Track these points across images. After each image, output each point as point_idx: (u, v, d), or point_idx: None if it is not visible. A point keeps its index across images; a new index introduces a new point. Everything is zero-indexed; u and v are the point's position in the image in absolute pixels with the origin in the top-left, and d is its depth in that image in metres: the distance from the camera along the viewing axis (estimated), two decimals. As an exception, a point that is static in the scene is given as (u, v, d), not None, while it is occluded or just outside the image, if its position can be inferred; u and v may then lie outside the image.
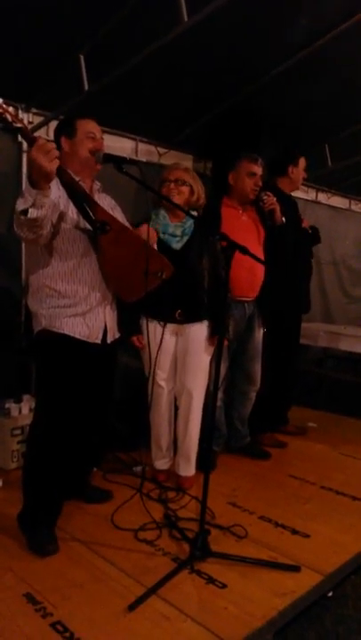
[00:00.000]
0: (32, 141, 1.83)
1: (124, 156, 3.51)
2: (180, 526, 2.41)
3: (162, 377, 2.80)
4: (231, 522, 2.48)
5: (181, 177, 2.75)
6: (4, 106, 1.86)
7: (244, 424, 3.38)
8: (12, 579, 2.01)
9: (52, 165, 1.81)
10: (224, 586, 2.02)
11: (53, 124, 3.11)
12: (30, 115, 3.24)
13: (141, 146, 3.79)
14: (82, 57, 2.85)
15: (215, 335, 2.75)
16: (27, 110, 3.21)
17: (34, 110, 3.24)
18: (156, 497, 2.73)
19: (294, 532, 2.46)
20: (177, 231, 2.75)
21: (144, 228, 2.38)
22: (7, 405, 3.09)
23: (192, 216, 2.55)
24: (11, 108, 1.87)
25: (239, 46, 2.98)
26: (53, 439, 2.27)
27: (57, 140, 2.35)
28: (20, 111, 3.19)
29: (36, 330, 2.31)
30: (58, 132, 2.37)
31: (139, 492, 2.53)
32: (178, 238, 2.75)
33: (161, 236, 2.71)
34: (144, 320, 2.77)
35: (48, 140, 1.89)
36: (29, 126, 3.15)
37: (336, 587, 2.15)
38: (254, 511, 2.63)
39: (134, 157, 3.73)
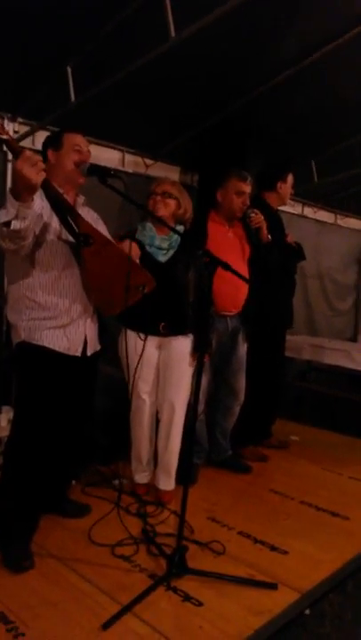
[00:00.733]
0: (18, 153, 1.83)
1: (110, 167, 3.57)
2: (158, 542, 2.38)
3: (144, 390, 2.79)
4: (210, 537, 2.47)
5: (168, 190, 2.76)
6: None
7: (226, 438, 3.37)
8: (-16, 596, 1.97)
9: (38, 177, 1.80)
10: (200, 604, 2.00)
11: (39, 134, 3.13)
12: (16, 124, 3.22)
13: (128, 157, 3.79)
14: (69, 69, 2.85)
15: (197, 351, 2.74)
16: (13, 120, 3.19)
17: (20, 120, 3.22)
18: (134, 511, 2.71)
19: (273, 548, 2.44)
20: (163, 244, 2.75)
21: (126, 242, 2.38)
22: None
23: (176, 231, 2.54)
24: None
25: (227, 62, 2.99)
26: (31, 452, 2.24)
27: (44, 153, 2.37)
28: (5, 121, 3.18)
29: (16, 342, 2.29)
30: (45, 145, 2.39)
31: (117, 506, 2.51)
32: (164, 251, 2.75)
33: (147, 248, 2.71)
34: (123, 331, 2.75)
35: (35, 152, 1.89)
36: (15, 136, 3.14)
37: (314, 604, 2.13)
38: (234, 526, 2.62)
39: (121, 168, 3.72)
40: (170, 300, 2.69)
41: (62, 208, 2.23)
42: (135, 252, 2.45)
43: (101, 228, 2.49)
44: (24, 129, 3.23)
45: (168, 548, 2.31)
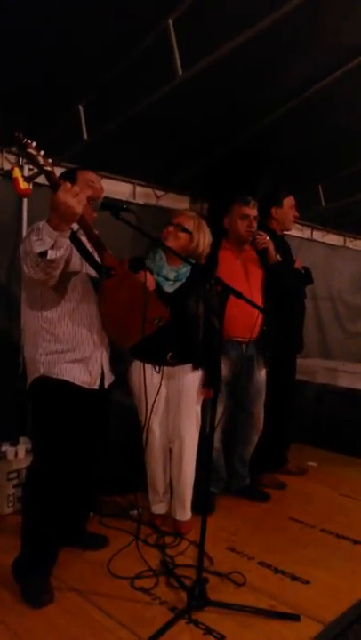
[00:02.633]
0: (58, 185, 1.89)
1: (122, 201, 3.65)
2: (177, 573, 2.37)
3: (154, 420, 2.78)
4: (230, 568, 2.45)
5: (182, 223, 2.77)
6: (37, 149, 1.92)
7: (245, 466, 3.35)
8: (5, 633, 1.97)
9: (80, 207, 1.88)
10: (222, 637, 1.98)
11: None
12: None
13: (139, 189, 3.88)
14: (81, 108, 2.95)
15: (207, 387, 2.78)
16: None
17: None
18: (153, 542, 2.69)
19: (294, 578, 2.42)
20: (170, 275, 2.76)
21: (141, 273, 2.42)
22: (3, 448, 3.08)
23: (189, 262, 2.57)
24: (42, 152, 1.93)
25: (233, 95, 3.07)
26: (52, 486, 2.25)
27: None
28: (20, 159, 3.27)
29: (33, 377, 2.30)
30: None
31: (136, 538, 2.50)
32: (171, 282, 2.76)
33: (155, 276, 2.73)
34: (138, 364, 2.75)
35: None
36: (30, 173, 3.23)
37: (337, 636, 2.10)
38: (253, 556, 2.59)
39: (132, 200, 3.81)
40: (177, 329, 2.66)
41: (91, 239, 2.28)
42: (151, 284, 2.49)
43: None
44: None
45: (188, 579, 2.30)
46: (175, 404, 2.77)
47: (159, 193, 3.98)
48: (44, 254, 1.88)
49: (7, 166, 3.23)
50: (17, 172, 1.95)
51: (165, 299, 2.60)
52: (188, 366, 2.76)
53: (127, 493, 3.15)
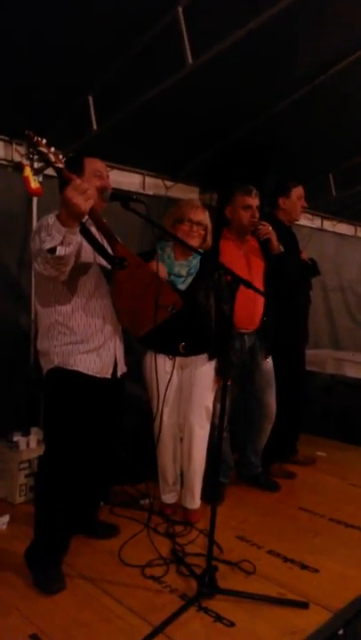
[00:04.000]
0: (68, 181, 1.88)
1: (131, 192, 3.65)
2: (187, 562, 2.39)
3: (165, 410, 2.80)
4: (240, 557, 2.47)
5: (203, 220, 2.76)
6: (47, 146, 1.91)
7: (258, 456, 3.36)
8: (18, 619, 2.00)
9: (87, 205, 1.86)
10: (232, 624, 2.00)
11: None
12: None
13: (148, 180, 3.87)
14: (90, 98, 2.94)
15: (220, 375, 2.78)
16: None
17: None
18: (163, 531, 2.72)
19: (303, 566, 2.43)
20: (182, 271, 2.75)
21: (153, 264, 2.42)
22: (15, 438, 3.10)
23: (199, 252, 2.56)
24: (52, 149, 1.93)
25: (243, 84, 3.05)
26: (63, 476, 2.28)
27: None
28: (31, 149, 3.27)
29: (47, 368, 2.32)
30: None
31: (146, 526, 2.53)
32: (183, 279, 2.75)
33: (167, 277, 2.67)
34: (151, 355, 2.79)
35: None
36: (39, 166, 3.24)
37: (347, 624, 2.11)
38: (263, 545, 2.61)
39: (142, 191, 3.81)
40: (190, 323, 2.69)
41: (102, 231, 2.27)
42: (163, 273, 2.49)
43: None
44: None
45: (198, 568, 2.32)
46: (187, 393, 2.78)
47: (168, 184, 3.96)
48: (52, 251, 1.88)
49: (17, 158, 3.23)
50: (28, 171, 1.95)
51: (180, 295, 2.58)
52: (202, 356, 2.78)
53: (138, 483, 3.19)
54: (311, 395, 4.41)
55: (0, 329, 3.31)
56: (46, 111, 2.98)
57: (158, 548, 2.48)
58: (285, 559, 2.49)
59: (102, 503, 2.86)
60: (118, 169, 3.59)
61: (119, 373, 2.42)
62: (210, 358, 2.78)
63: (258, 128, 3.50)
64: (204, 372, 2.78)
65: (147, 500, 2.97)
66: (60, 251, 1.88)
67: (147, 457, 3.06)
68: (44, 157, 1.95)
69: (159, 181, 3.92)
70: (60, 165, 1.95)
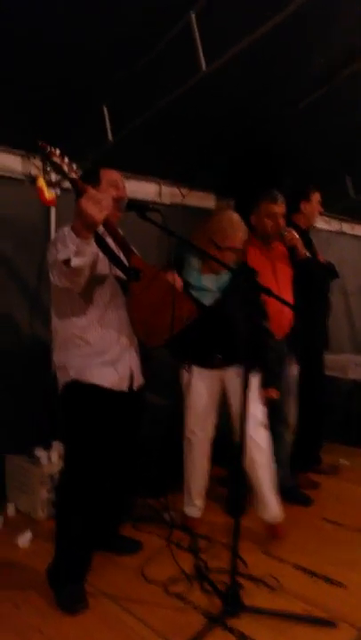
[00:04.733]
0: (82, 192, 1.87)
1: (148, 201, 3.63)
2: (211, 578, 2.36)
3: (195, 424, 2.76)
4: (264, 571, 2.43)
5: (240, 246, 2.68)
6: (61, 157, 1.91)
7: (283, 466, 3.25)
8: (41, 640, 1.99)
9: (102, 215, 1.84)
10: (257, 644, 1.96)
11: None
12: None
13: (165, 189, 3.84)
14: (105, 108, 2.92)
15: (267, 387, 2.74)
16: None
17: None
18: (186, 546, 2.68)
19: (328, 580, 2.38)
20: (209, 284, 2.66)
21: (170, 273, 2.40)
22: (37, 453, 3.10)
23: (234, 270, 2.50)
24: (66, 159, 1.91)
25: (257, 88, 3.00)
26: (84, 491, 2.26)
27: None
28: (47, 164, 3.27)
29: (64, 381, 2.31)
30: (83, 181, 2.42)
31: (168, 542, 2.50)
32: (210, 293, 2.65)
33: (192, 291, 2.61)
34: (187, 368, 2.75)
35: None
36: (56, 179, 3.25)
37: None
38: (287, 559, 2.57)
39: (158, 200, 3.79)
40: (224, 336, 2.63)
41: (117, 242, 2.26)
42: (179, 283, 2.46)
43: None
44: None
45: (222, 584, 2.28)
46: (235, 407, 2.70)
47: (184, 191, 3.93)
48: (67, 262, 1.86)
49: (34, 172, 3.24)
50: (41, 182, 1.94)
51: (206, 311, 2.53)
52: (239, 367, 2.68)
53: (160, 496, 3.16)
54: (333, 401, 4.34)
55: (19, 341, 3.32)
56: (61, 123, 2.96)
57: (182, 563, 2.46)
58: (310, 573, 2.44)
59: (125, 516, 2.84)
60: (134, 178, 3.57)
61: (135, 386, 2.39)
62: (247, 370, 2.65)
63: (273, 131, 3.45)
64: (252, 384, 2.64)
65: (168, 514, 2.94)
66: (75, 261, 1.87)
67: (170, 468, 3.03)
68: (57, 168, 1.94)
69: (175, 189, 3.89)
70: (74, 176, 1.93)
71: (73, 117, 2.96)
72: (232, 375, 2.73)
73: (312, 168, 3.83)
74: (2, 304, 3.27)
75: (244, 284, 2.67)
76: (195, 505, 2.90)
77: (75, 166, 1.96)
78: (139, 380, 2.43)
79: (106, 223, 2.11)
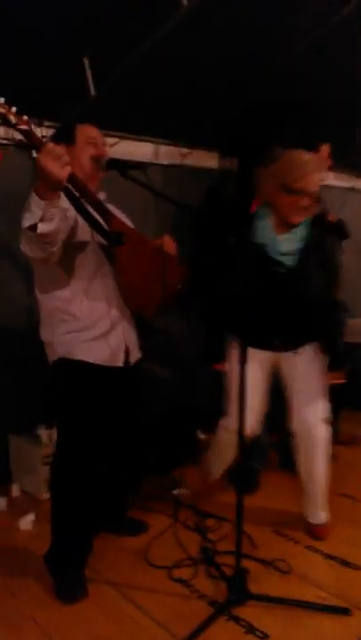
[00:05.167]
0: (39, 146, 1.65)
1: (144, 162, 3.41)
2: (217, 561, 2.22)
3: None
4: (275, 553, 2.28)
5: (317, 190, 2.13)
6: (6, 106, 1.68)
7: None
8: (34, 632, 1.88)
9: (64, 172, 1.63)
10: (265, 636, 1.82)
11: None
12: (43, 129, 3.10)
13: (162, 148, 3.59)
14: (86, 60, 2.68)
15: (334, 370, 2.36)
16: (39, 125, 3.08)
17: (46, 124, 3.10)
18: (193, 525, 2.55)
19: (345, 563, 2.22)
20: (288, 246, 2.18)
21: (165, 237, 2.20)
22: (38, 432, 2.99)
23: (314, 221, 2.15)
24: (13, 109, 1.69)
25: (252, 32, 2.73)
26: (78, 474, 2.13)
27: None
28: (32, 126, 3.05)
29: (52, 360, 2.16)
30: (56, 140, 2.16)
31: (175, 520, 2.39)
32: (289, 257, 2.18)
33: (267, 253, 2.17)
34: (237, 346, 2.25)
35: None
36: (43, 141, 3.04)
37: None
38: (300, 540, 2.41)
39: (155, 161, 3.55)
40: (291, 312, 2.22)
41: (91, 205, 2.05)
42: (171, 247, 2.26)
43: (128, 224, 2.31)
44: (51, 132, 3.11)
45: (229, 567, 2.14)
46: (296, 393, 2.36)
47: (184, 151, 3.68)
48: (34, 227, 1.67)
49: (19, 136, 3.02)
50: None
51: (280, 280, 2.15)
52: (307, 349, 2.33)
53: (168, 472, 3.03)
54: (351, 367, 4.11)
55: (18, 317, 3.17)
56: (43, 82, 2.75)
57: (188, 545, 2.34)
58: (325, 555, 2.29)
59: (131, 496, 2.72)
60: (127, 139, 3.34)
61: (132, 360, 2.22)
62: (319, 351, 2.32)
63: (276, 80, 3.16)
64: (313, 366, 2.33)
65: (179, 490, 2.81)
66: (42, 227, 1.68)
67: (178, 443, 2.89)
68: (2, 118, 1.70)
69: (174, 149, 3.64)
70: (24, 127, 1.70)
71: (53, 74, 2.73)
72: (293, 357, 2.34)
73: (321, 119, 3.54)
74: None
75: (326, 241, 2.25)
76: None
77: (25, 117, 1.72)
78: (135, 354, 2.26)
79: (74, 182, 1.91)
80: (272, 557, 2.25)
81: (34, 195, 1.65)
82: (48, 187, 1.63)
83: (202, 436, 3.66)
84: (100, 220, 2.06)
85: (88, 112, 2.78)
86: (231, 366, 2.34)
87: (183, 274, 2.22)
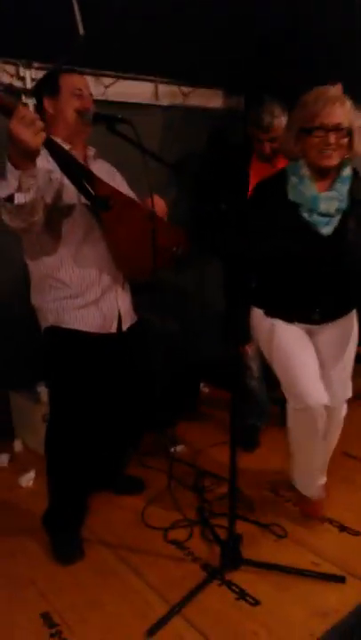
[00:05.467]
0: (10, 111, 1.50)
1: (143, 104, 3.20)
2: (213, 523, 2.22)
3: (308, 384, 2.02)
4: (271, 516, 2.27)
5: (344, 122, 1.80)
6: None
7: None
8: (32, 594, 1.91)
9: (37, 139, 1.51)
10: (256, 602, 1.82)
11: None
12: (33, 70, 2.88)
13: (162, 88, 3.34)
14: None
15: None
16: (28, 66, 2.85)
17: (36, 65, 2.87)
18: (191, 484, 2.55)
19: (343, 528, 2.20)
20: (331, 207, 1.87)
21: (155, 197, 2.06)
22: (38, 389, 2.97)
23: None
24: None
25: None
26: (70, 440, 2.12)
27: (39, 101, 2.03)
28: (20, 68, 2.85)
29: (44, 327, 2.10)
30: (39, 92, 2.03)
31: (170, 479, 2.39)
32: (328, 219, 1.88)
33: (305, 216, 1.88)
34: (264, 318, 2.09)
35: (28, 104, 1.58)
36: (34, 84, 2.84)
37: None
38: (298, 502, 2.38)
39: (155, 102, 3.32)
40: (332, 282, 1.98)
41: (73, 169, 1.93)
42: (161, 208, 2.13)
43: (118, 181, 2.20)
44: (41, 74, 2.89)
45: (224, 530, 2.13)
46: (327, 365, 2.13)
47: (186, 90, 3.43)
48: (10, 199, 1.56)
49: (7, 80, 2.82)
50: None
51: (321, 244, 1.90)
52: (345, 320, 2.10)
53: (167, 427, 3.01)
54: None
55: (17, 275, 3.08)
56: (30, 21, 2.52)
57: (184, 505, 2.33)
58: (323, 518, 2.27)
59: (131, 451, 2.71)
60: (124, 78, 3.11)
61: (125, 326, 2.15)
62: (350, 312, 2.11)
63: (285, 11, 2.88)
64: (349, 337, 2.12)
65: (176, 447, 2.80)
66: (20, 198, 1.57)
67: (176, 398, 2.84)
68: None
69: (175, 88, 3.39)
70: None
71: (42, 11, 2.50)
72: (330, 328, 2.11)
73: (333, 55, 3.25)
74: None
75: None
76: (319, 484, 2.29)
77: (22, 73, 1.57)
78: (128, 320, 2.19)
79: (51, 148, 1.78)
80: (268, 520, 2.24)
81: (8, 164, 1.53)
82: (22, 155, 1.51)
83: (205, 389, 3.64)
84: (87, 185, 1.92)
85: (79, 52, 2.57)
86: (272, 343, 2.06)
87: (179, 236, 2.11)
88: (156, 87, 3.32)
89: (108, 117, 1.88)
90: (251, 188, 2.54)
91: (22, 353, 3.06)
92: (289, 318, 2.04)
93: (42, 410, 2.86)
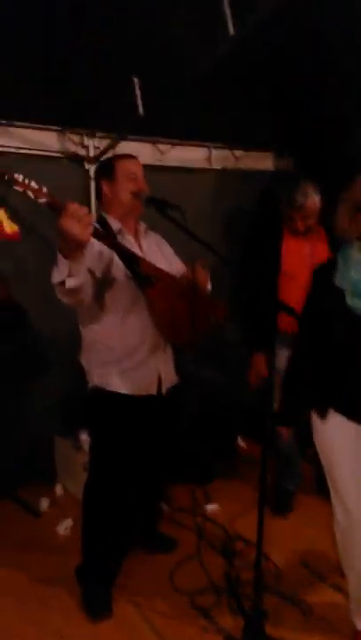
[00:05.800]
0: (60, 210, 1.67)
1: (195, 168, 3.34)
2: (239, 592, 2.24)
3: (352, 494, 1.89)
4: (298, 588, 2.29)
5: None
6: (26, 182, 1.71)
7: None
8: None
9: (86, 233, 1.67)
10: None
11: (121, 146, 2.99)
12: (96, 140, 3.11)
13: (215, 153, 3.50)
14: (136, 80, 2.63)
15: None
16: (91, 136, 3.09)
17: (99, 134, 3.10)
18: (220, 548, 2.58)
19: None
20: None
21: (198, 268, 2.18)
22: (81, 438, 3.10)
23: None
24: (33, 183, 1.72)
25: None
26: (108, 501, 2.23)
27: (98, 184, 2.26)
28: (85, 137, 3.07)
29: (90, 385, 2.24)
30: (98, 175, 2.28)
31: (200, 539, 2.48)
32: None
33: (348, 300, 1.78)
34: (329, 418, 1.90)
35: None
36: (96, 152, 3.06)
37: None
38: (327, 576, 2.38)
39: (208, 166, 3.47)
40: None
41: (121, 252, 2.09)
42: (202, 278, 2.23)
43: (166, 251, 2.36)
44: (104, 143, 3.10)
45: (249, 600, 2.16)
46: None
47: (238, 153, 3.57)
48: (63, 283, 1.75)
49: (72, 148, 3.07)
50: (1, 215, 1.76)
51: None
52: None
53: (207, 483, 3.07)
54: None
55: (66, 328, 3.26)
56: (95, 95, 2.73)
57: (213, 569, 2.38)
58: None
59: (165, 507, 2.78)
60: (179, 144, 3.29)
61: (164, 388, 2.27)
62: None
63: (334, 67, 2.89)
64: None
65: (209, 506, 2.85)
66: (70, 282, 1.75)
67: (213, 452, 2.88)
68: (26, 193, 1.72)
69: (227, 152, 3.54)
70: (44, 200, 1.72)
71: (106, 87, 2.69)
72: None
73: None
74: (44, 288, 3.20)
75: None
76: None
77: (45, 189, 1.73)
78: (168, 382, 2.30)
79: (100, 237, 1.96)
80: (294, 593, 2.25)
81: (59, 254, 1.69)
82: (70, 248, 1.66)
83: (242, 443, 3.66)
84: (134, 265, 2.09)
85: (138, 124, 2.74)
86: (325, 445, 1.91)
87: (219, 308, 2.23)
88: (210, 152, 3.47)
89: (159, 202, 2.04)
90: (282, 260, 2.64)
91: (67, 400, 3.22)
92: (343, 412, 1.85)
93: (83, 458, 2.98)
